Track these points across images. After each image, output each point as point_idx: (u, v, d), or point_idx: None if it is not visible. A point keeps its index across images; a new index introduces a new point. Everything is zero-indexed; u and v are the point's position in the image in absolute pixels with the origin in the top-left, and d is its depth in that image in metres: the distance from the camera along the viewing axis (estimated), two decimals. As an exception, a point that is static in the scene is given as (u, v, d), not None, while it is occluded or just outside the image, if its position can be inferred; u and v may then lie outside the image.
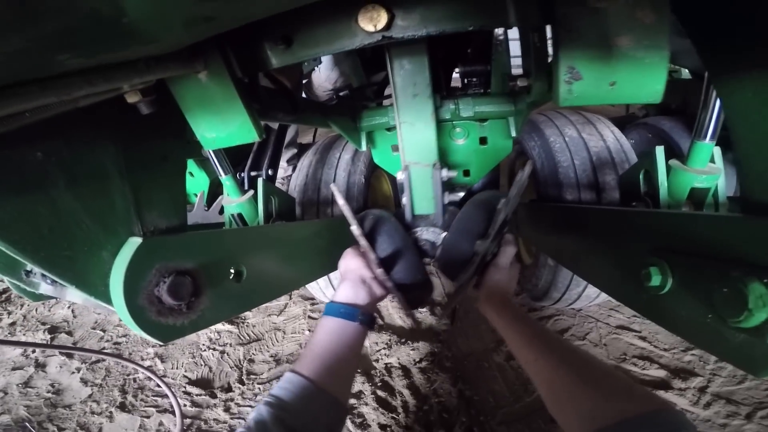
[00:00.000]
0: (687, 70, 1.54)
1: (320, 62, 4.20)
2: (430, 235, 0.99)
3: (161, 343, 1.45)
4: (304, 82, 2.28)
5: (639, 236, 0.52)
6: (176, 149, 0.54)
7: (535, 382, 0.61)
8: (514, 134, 1.00)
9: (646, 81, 0.46)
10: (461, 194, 1.02)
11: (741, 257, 0.38)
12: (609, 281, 0.61)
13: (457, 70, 1.23)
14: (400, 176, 0.94)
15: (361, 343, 0.72)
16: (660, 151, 0.72)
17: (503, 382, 1.31)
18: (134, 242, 0.43)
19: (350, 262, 0.77)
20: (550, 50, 0.60)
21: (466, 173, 1.07)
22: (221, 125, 0.56)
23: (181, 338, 0.50)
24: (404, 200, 0.99)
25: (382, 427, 1.19)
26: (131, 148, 0.50)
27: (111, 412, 1.37)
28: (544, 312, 1.58)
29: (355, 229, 0.73)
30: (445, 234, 0.98)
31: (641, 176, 0.77)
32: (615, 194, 1.03)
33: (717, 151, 0.72)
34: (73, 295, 0.53)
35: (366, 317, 0.71)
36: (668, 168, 0.73)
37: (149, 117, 0.49)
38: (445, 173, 0.91)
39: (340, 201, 0.72)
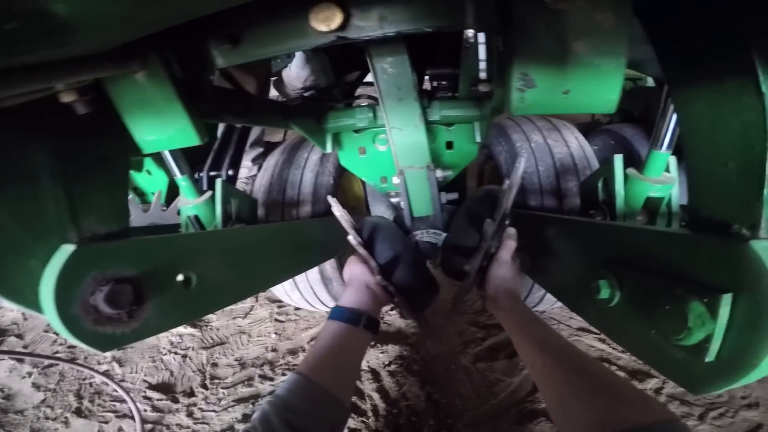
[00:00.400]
0: (651, 78, 1.60)
1: (291, 60, 4.11)
2: (431, 237, 0.99)
3: (99, 352, 1.38)
4: (274, 80, 2.22)
5: (592, 247, 0.52)
6: (118, 151, 0.51)
7: (542, 387, 0.59)
8: (478, 139, 1.01)
9: (601, 90, 0.45)
10: (456, 194, 1.02)
11: (685, 275, 0.38)
12: (563, 290, 0.62)
13: (426, 72, 1.24)
14: (395, 180, 0.94)
15: (365, 346, 0.74)
16: (618, 159, 0.73)
17: (470, 384, 1.33)
18: (66, 250, 0.40)
19: (354, 268, 0.79)
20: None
21: (448, 170, 1.06)
22: (160, 128, 0.53)
23: (137, 343, 0.47)
24: (402, 204, 0.99)
25: (352, 431, 1.18)
26: (67, 149, 0.47)
27: (66, 418, 1.31)
28: (510, 314, 1.61)
29: (351, 239, 0.74)
30: (445, 235, 0.98)
31: (600, 184, 0.79)
32: (576, 201, 1.05)
33: (672, 160, 0.74)
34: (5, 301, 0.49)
35: (370, 322, 0.72)
36: (625, 176, 0.74)
37: (87, 117, 0.46)
38: (439, 173, 0.91)
39: (338, 212, 0.73)
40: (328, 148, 1.04)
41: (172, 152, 0.79)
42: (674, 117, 0.68)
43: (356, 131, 1.04)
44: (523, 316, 0.69)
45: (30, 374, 1.50)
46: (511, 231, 0.78)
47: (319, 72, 1.06)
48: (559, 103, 0.47)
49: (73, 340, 0.40)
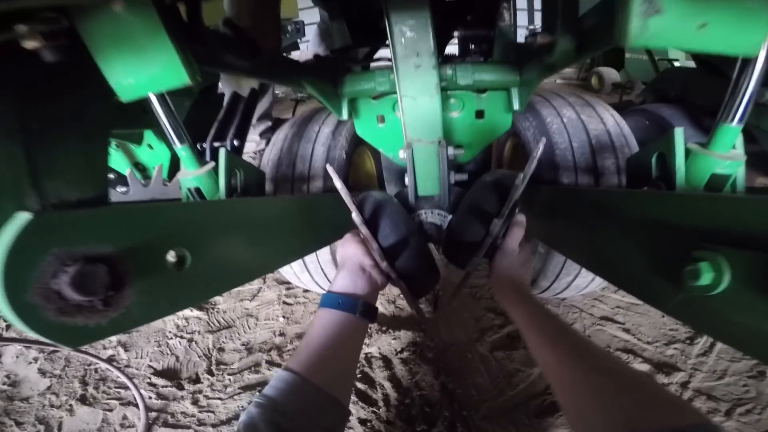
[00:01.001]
0: (685, 59, 1.49)
1: (303, 34, 3.95)
2: (435, 218, 0.91)
3: (69, 348, 1.35)
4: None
5: (681, 225, 0.43)
6: (97, 108, 0.43)
7: (555, 387, 0.53)
8: (516, 107, 0.91)
9: (745, 27, 0.38)
10: (466, 176, 0.93)
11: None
12: (630, 276, 0.53)
13: (455, 34, 1.14)
14: (401, 154, 0.85)
15: (363, 336, 0.67)
16: (679, 132, 0.63)
17: (486, 374, 1.26)
18: (21, 218, 0.31)
19: (348, 249, 0.71)
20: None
21: (459, 148, 0.97)
22: (141, 67, 0.44)
23: (142, 326, 0.40)
24: (407, 180, 0.90)
25: (362, 421, 1.12)
26: (32, 102, 0.39)
27: (71, 406, 1.27)
28: (528, 301, 1.54)
29: (355, 216, 0.66)
30: (451, 217, 0.90)
31: (654, 159, 0.69)
32: (614, 179, 0.97)
33: (739, 137, 0.64)
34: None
35: (367, 308, 0.65)
36: (686, 152, 0.65)
37: (58, 66, 0.37)
38: (451, 151, 0.82)
39: (338, 183, 0.65)
40: (344, 115, 0.94)
41: (169, 119, 0.70)
42: (750, 87, 0.57)
43: (375, 98, 0.94)
44: (532, 309, 0.63)
45: (36, 360, 1.47)
46: (521, 218, 0.72)
47: (336, 36, 0.96)
48: (691, 37, 0.39)
49: (31, 334, 0.32)
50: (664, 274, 0.43)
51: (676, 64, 1.62)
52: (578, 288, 1.20)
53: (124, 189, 1.06)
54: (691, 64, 1.53)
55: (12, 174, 0.35)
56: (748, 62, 0.56)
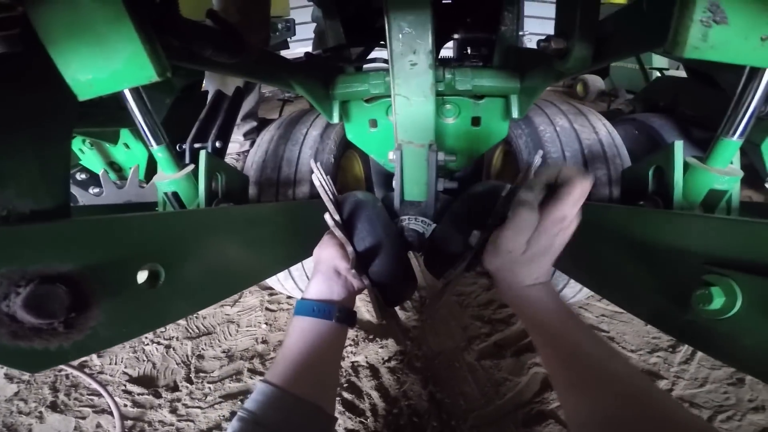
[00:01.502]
0: (678, 69, 1.51)
1: (294, 33, 3.89)
2: (418, 225, 0.87)
3: (28, 373, 1.28)
4: None
5: (689, 247, 0.42)
6: (56, 106, 0.38)
7: (570, 418, 0.45)
8: (516, 115, 0.89)
9: None
10: (455, 184, 0.90)
11: None
12: (630, 295, 0.51)
13: (454, 37, 1.12)
14: (390, 156, 0.82)
15: (342, 342, 0.65)
16: (679, 146, 0.62)
17: (474, 383, 1.25)
18: (-38, 234, 0.27)
19: (324, 252, 0.67)
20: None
21: (451, 155, 0.94)
22: (102, 61, 0.39)
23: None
24: (394, 183, 0.86)
25: None
26: None
27: (41, 412, 1.21)
28: (516, 309, 1.53)
29: (328, 217, 0.62)
30: (435, 225, 0.87)
31: (651, 173, 0.68)
32: (605, 190, 0.96)
33: (737, 152, 0.64)
34: None
35: (344, 313, 0.62)
36: (685, 166, 0.64)
37: (9, 59, 0.33)
38: (441, 156, 0.79)
39: (317, 181, 0.62)
40: (335, 118, 0.90)
41: (146, 118, 0.65)
42: (755, 101, 0.57)
43: (367, 101, 0.91)
44: (537, 313, 0.52)
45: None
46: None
47: (330, 34, 0.92)
48: (752, 51, 0.37)
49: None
50: (669, 295, 0.42)
51: (667, 73, 1.64)
52: (565, 298, 1.20)
53: (96, 190, 1.00)
54: (679, 73, 1.56)
55: (-45, 181, 0.30)
56: (753, 75, 0.55)
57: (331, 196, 0.65)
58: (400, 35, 0.65)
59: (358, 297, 0.71)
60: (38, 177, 0.34)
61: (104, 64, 0.39)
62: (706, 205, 0.66)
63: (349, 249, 0.64)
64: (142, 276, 0.40)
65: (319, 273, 0.66)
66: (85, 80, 0.39)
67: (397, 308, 1.52)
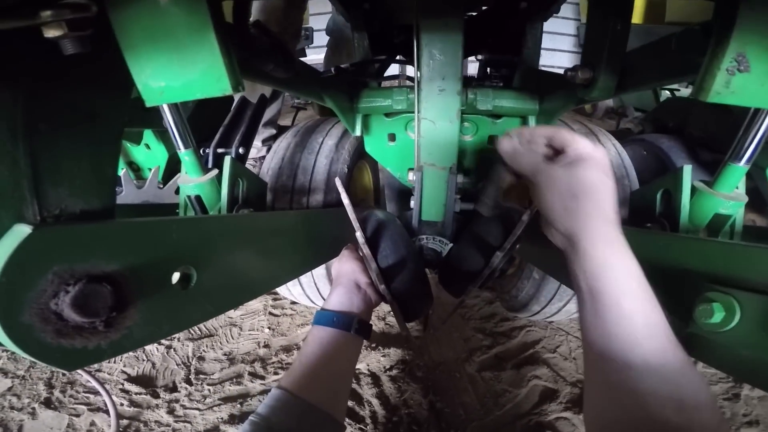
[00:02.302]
0: (688, 87, 1.53)
1: (312, 41, 3.95)
2: (435, 244, 0.89)
3: (64, 371, 1.28)
4: None
5: (693, 267, 0.45)
6: (112, 107, 0.39)
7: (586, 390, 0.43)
8: None
9: None
10: (472, 205, 0.92)
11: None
12: None
13: (478, 57, 1.14)
14: (410, 176, 0.84)
15: (357, 353, 0.66)
16: (688, 170, 0.64)
17: (474, 393, 1.26)
18: (20, 232, 0.29)
19: (345, 265, 0.70)
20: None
21: (467, 174, 0.97)
22: (178, 69, 0.40)
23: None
24: (412, 203, 0.88)
25: (348, 439, 1.10)
26: (41, 98, 0.35)
27: (34, 408, 1.20)
28: (516, 322, 1.54)
29: (359, 235, 0.66)
30: (451, 245, 0.90)
31: (659, 196, 0.70)
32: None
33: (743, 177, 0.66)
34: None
35: (361, 325, 0.64)
36: (692, 190, 0.66)
37: (76, 59, 0.34)
38: (460, 179, 0.81)
39: (345, 200, 0.65)
40: (357, 131, 0.92)
41: (177, 121, 0.67)
42: (763, 128, 0.59)
43: (387, 115, 0.93)
44: (585, 268, 0.41)
45: (-1, 358, 1.38)
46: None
47: (356, 46, 0.94)
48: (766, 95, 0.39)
49: (26, 356, 0.30)
50: (673, 309, 0.44)
51: (678, 93, 1.66)
52: (569, 313, 1.21)
53: (116, 189, 1.02)
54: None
55: (12, 179, 0.31)
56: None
57: (356, 215, 0.67)
58: (431, 61, 0.67)
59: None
60: (90, 177, 0.36)
61: (180, 73, 0.40)
62: (711, 228, 0.68)
63: (374, 266, 0.66)
64: (175, 278, 0.41)
65: (341, 285, 0.68)
66: (157, 87, 0.40)
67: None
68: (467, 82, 0.85)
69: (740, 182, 0.67)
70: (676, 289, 0.47)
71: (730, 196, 0.65)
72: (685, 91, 1.64)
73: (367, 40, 0.96)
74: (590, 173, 0.42)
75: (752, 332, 0.39)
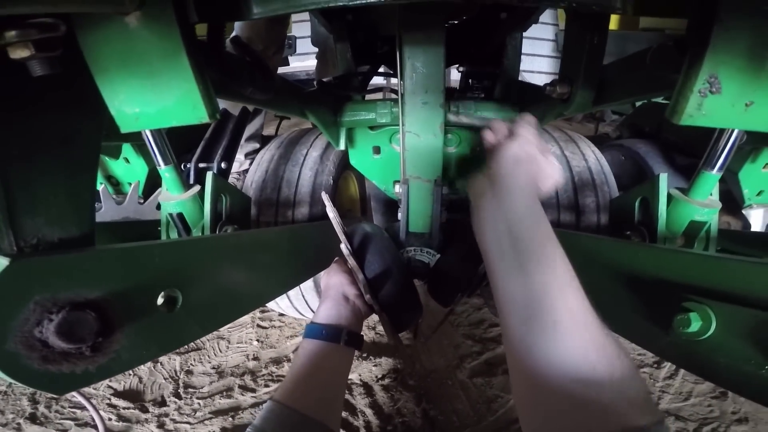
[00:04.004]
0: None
1: (295, 50, 3.93)
2: (423, 256, 0.90)
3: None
4: None
5: (670, 278, 0.47)
6: (87, 130, 0.38)
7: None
8: None
9: None
10: (458, 216, 0.93)
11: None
12: (618, 319, 0.55)
13: (459, 69, 1.16)
14: (397, 189, 0.85)
15: (349, 364, 0.67)
16: (663, 178, 0.67)
17: (467, 400, 1.26)
18: (-2, 264, 0.29)
19: (333, 278, 0.71)
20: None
21: (452, 185, 0.98)
22: (152, 96, 0.39)
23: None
24: (399, 215, 0.89)
25: (343, 449, 1.09)
26: (10, 124, 0.35)
27: (19, 424, 1.17)
28: (503, 323, 1.55)
29: (344, 247, 0.66)
30: (439, 256, 0.91)
31: (637, 204, 0.72)
32: (594, 217, 1.00)
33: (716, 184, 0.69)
34: None
35: (351, 337, 0.65)
36: (668, 197, 0.68)
37: (46, 81, 0.34)
38: (446, 191, 0.82)
39: (331, 213, 0.65)
40: (341, 145, 0.93)
41: (156, 137, 0.66)
42: (733, 137, 0.62)
43: (372, 128, 0.94)
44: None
45: (-22, 374, 1.34)
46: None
47: (339, 58, 0.95)
48: (737, 116, 0.40)
49: (15, 383, 0.30)
50: (653, 319, 0.46)
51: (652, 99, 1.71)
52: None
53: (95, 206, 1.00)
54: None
55: (-13, 209, 0.31)
56: None
57: (341, 227, 0.68)
58: (414, 74, 0.67)
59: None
60: (67, 205, 0.35)
61: (154, 100, 0.40)
62: (688, 234, 0.70)
63: (360, 277, 0.67)
64: (160, 301, 0.41)
65: (329, 298, 0.69)
66: (132, 113, 0.40)
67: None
68: (450, 94, 0.87)
69: (714, 189, 0.70)
70: (655, 299, 0.49)
71: (704, 203, 0.67)
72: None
73: (350, 52, 0.96)
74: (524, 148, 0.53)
75: (727, 341, 0.41)
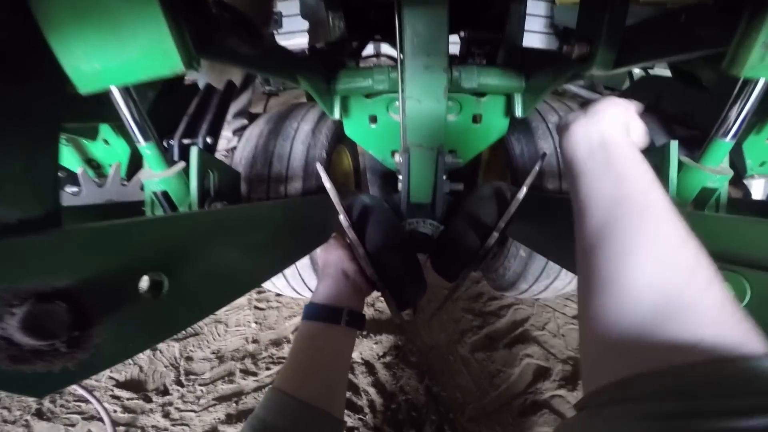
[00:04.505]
0: (662, 68, 1.53)
1: (281, 26, 3.78)
2: (426, 228, 0.86)
3: (33, 398, 1.24)
4: None
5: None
6: (47, 100, 0.34)
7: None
8: (519, 114, 0.89)
9: None
10: (461, 185, 0.90)
11: None
12: None
13: (461, 35, 1.10)
14: (397, 158, 0.80)
15: (351, 345, 0.63)
16: (674, 145, 0.64)
17: (469, 375, 1.27)
18: (-54, 250, 0.24)
19: (331, 255, 0.67)
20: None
21: (452, 154, 0.94)
22: (114, 48, 0.34)
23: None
24: (400, 186, 0.85)
25: (349, 430, 1.10)
26: None
27: (27, 421, 1.16)
28: (503, 301, 1.56)
29: (343, 219, 0.62)
30: (442, 228, 0.87)
31: (646, 171, 0.69)
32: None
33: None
34: None
35: (353, 317, 0.61)
36: (679, 165, 0.65)
37: None
38: (449, 159, 0.78)
39: (328, 184, 0.62)
40: (336, 114, 0.88)
41: (133, 111, 0.61)
42: (748, 105, 0.58)
43: (368, 96, 0.89)
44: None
45: (-18, 372, 1.32)
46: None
47: (332, 27, 0.89)
48: None
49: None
50: None
51: (651, 72, 1.67)
52: (556, 290, 1.22)
53: (74, 189, 0.93)
54: (663, 72, 1.59)
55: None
56: (748, 82, 0.56)
57: (340, 200, 0.63)
58: (415, 37, 0.63)
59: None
60: (26, 182, 0.31)
61: (118, 52, 0.34)
62: (698, 202, 0.68)
63: (361, 251, 0.63)
64: (144, 286, 0.37)
65: (327, 276, 0.65)
66: (90, 69, 0.34)
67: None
68: (450, 61, 0.82)
69: (725, 157, 0.67)
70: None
71: (716, 170, 0.65)
72: (658, 70, 1.65)
73: (342, 20, 0.90)
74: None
75: (763, 312, 0.38)
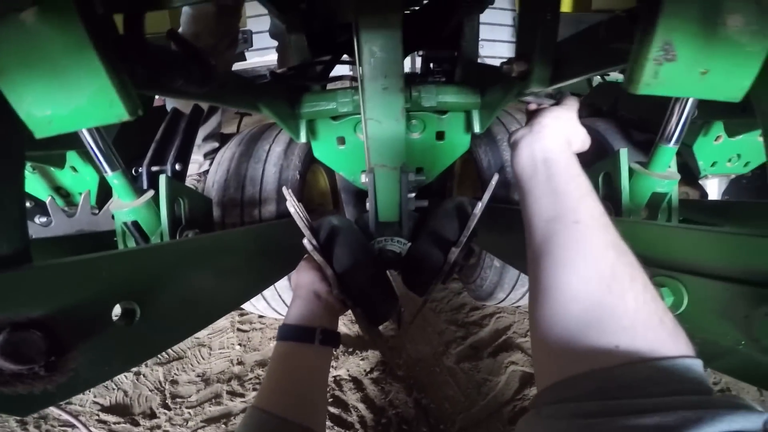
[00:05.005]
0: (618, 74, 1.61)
1: (251, 44, 3.81)
2: (395, 245, 0.89)
3: (17, 418, 1.19)
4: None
5: (642, 253, 0.46)
6: (8, 138, 0.35)
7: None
8: (477, 130, 0.93)
9: (737, 73, 0.39)
10: (426, 202, 0.93)
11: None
12: None
13: (419, 54, 1.14)
14: (363, 179, 0.83)
15: (327, 363, 0.65)
16: (624, 153, 0.68)
17: (456, 386, 1.28)
18: None
19: (302, 277, 0.69)
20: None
21: (419, 171, 0.98)
22: (62, 97, 0.35)
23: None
24: (368, 206, 0.87)
25: (341, 446, 1.09)
26: None
27: None
28: (485, 310, 1.58)
29: (306, 242, 0.64)
30: (410, 245, 0.90)
31: (601, 179, 0.74)
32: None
33: (673, 157, 0.71)
34: None
35: (326, 335, 0.62)
36: (630, 172, 0.70)
37: None
38: (412, 177, 0.81)
39: (292, 208, 0.63)
40: (302, 138, 0.90)
41: (98, 142, 0.62)
42: (686, 111, 0.63)
43: (334, 118, 0.91)
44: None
45: (-38, 397, 1.25)
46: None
47: (294, 49, 0.91)
48: (693, 84, 0.40)
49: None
50: None
51: (608, 78, 1.76)
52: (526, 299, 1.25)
53: (43, 220, 0.91)
54: (620, 77, 1.67)
55: None
56: None
57: (306, 222, 0.65)
58: (372, 59, 0.65)
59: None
60: (-8, 220, 0.32)
61: (65, 100, 0.36)
62: (650, 206, 0.73)
63: (329, 272, 0.65)
64: (116, 315, 0.38)
65: (299, 297, 0.67)
66: (43, 117, 0.36)
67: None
68: (411, 79, 0.85)
69: (672, 161, 0.72)
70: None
71: (664, 175, 0.70)
72: (615, 76, 1.74)
73: (305, 42, 0.93)
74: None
75: (701, 316, 0.40)
